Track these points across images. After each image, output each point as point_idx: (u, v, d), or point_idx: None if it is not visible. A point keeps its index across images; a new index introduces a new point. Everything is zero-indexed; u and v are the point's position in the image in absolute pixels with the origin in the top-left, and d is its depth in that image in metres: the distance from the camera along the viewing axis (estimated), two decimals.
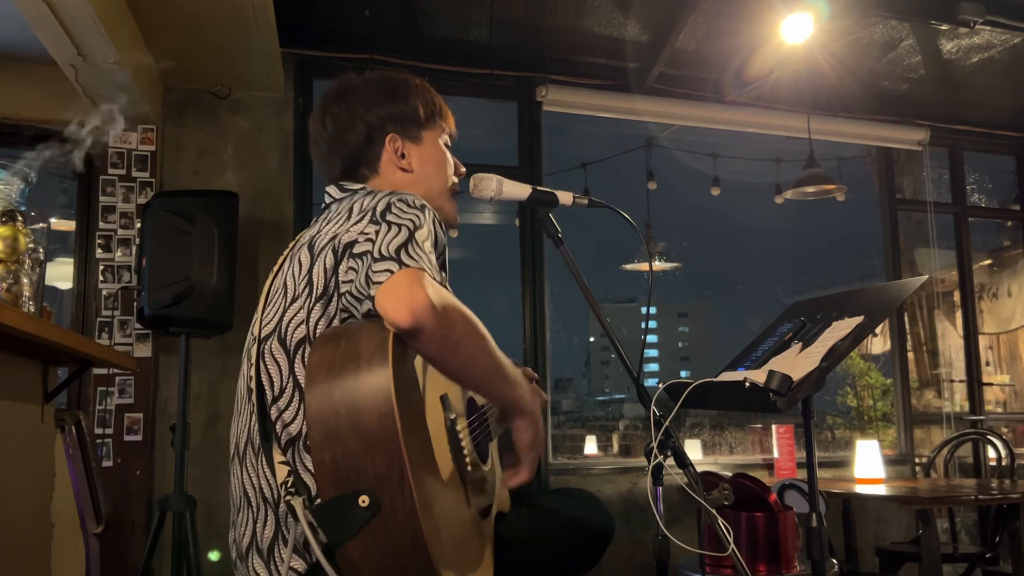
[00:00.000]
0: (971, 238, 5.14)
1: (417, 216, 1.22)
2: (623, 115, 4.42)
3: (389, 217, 1.21)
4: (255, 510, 1.23)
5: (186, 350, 3.06)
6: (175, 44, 3.30)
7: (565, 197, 1.68)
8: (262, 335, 1.28)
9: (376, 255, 1.15)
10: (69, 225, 3.65)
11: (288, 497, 1.10)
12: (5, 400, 2.05)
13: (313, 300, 1.24)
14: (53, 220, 3.72)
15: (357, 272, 1.18)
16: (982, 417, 4.85)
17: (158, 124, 3.60)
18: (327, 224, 1.31)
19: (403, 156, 1.49)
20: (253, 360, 1.27)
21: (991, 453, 4.22)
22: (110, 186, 3.51)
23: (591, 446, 6.76)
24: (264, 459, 1.21)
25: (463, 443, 1.28)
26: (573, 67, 4.28)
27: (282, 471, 1.17)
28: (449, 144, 1.60)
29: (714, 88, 4.47)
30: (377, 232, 1.18)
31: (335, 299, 1.23)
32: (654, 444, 1.51)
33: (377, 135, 1.48)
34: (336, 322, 1.22)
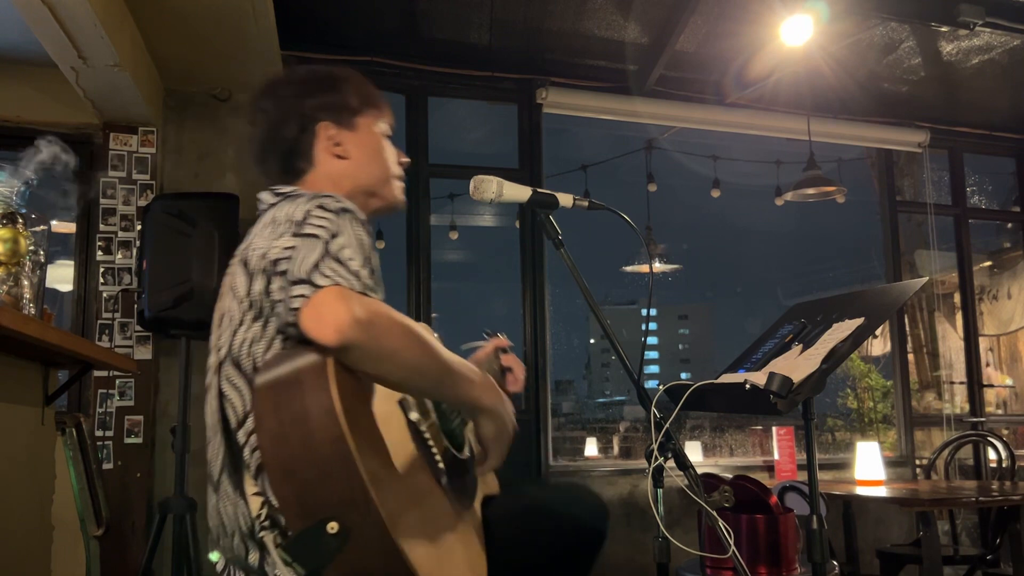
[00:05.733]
0: (971, 240, 5.14)
1: (332, 223, 1.18)
2: (623, 117, 4.42)
3: (307, 228, 1.17)
4: (236, 538, 1.22)
5: (187, 352, 3.06)
6: (176, 47, 3.31)
7: (565, 199, 1.68)
8: (218, 362, 1.26)
9: (292, 278, 1.12)
10: (70, 227, 3.65)
11: (262, 533, 1.09)
12: (5, 402, 2.05)
13: (255, 320, 1.22)
14: (54, 223, 3.72)
15: (285, 291, 1.15)
16: (982, 419, 4.85)
17: (158, 127, 3.60)
18: (257, 237, 1.28)
19: (337, 144, 1.46)
20: (215, 390, 1.25)
21: (991, 455, 4.21)
22: (110, 188, 3.51)
23: (591, 448, 6.77)
24: (239, 490, 1.20)
25: (430, 442, 1.27)
26: (573, 69, 4.29)
27: (255, 503, 1.16)
28: (389, 133, 1.55)
29: (714, 90, 4.48)
30: (296, 248, 1.15)
31: (273, 319, 1.20)
32: (654, 446, 1.51)
33: (309, 124, 1.45)
34: (277, 343, 1.20)
